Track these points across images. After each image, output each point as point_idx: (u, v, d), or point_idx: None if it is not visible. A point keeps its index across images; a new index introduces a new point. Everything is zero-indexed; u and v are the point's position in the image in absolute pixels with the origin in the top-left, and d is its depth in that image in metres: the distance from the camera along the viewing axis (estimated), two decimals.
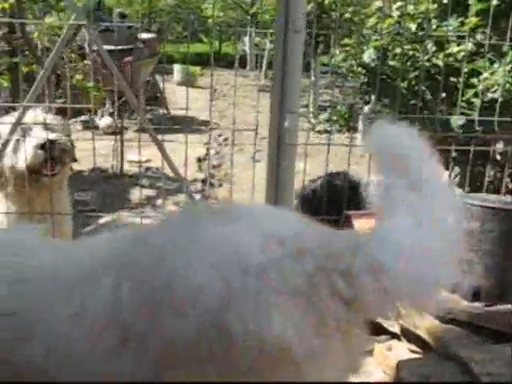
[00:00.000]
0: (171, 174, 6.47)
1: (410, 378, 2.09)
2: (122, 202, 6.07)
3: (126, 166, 7.08)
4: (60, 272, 1.41)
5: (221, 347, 1.17)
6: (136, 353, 1.24)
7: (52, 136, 2.56)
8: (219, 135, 9.07)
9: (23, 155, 2.54)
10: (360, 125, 8.34)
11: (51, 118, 2.68)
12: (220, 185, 6.87)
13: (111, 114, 9.08)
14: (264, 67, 14.48)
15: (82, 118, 9.28)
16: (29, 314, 1.36)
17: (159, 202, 6.13)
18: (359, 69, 5.07)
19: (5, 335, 1.37)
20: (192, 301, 1.18)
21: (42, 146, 2.55)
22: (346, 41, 6.10)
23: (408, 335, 2.36)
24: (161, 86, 10.86)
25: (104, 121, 8.87)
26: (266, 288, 1.18)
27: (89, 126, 8.75)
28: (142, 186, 6.33)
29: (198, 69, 13.25)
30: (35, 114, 2.59)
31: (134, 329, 1.24)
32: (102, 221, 5.31)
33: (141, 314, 1.24)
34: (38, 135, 2.55)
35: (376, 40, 4.49)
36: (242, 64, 15.94)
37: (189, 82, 12.16)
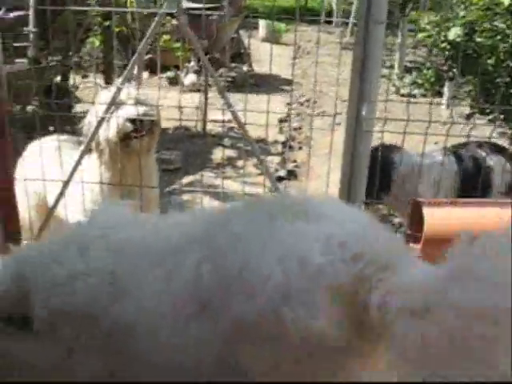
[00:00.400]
0: (253, 135, 6.61)
1: None
2: (205, 162, 6.25)
3: (210, 126, 7.24)
4: (151, 245, 1.60)
5: (276, 331, 1.33)
6: (210, 324, 1.42)
7: (141, 110, 2.77)
8: (301, 95, 9.04)
9: (115, 126, 2.76)
10: (446, 90, 8.12)
11: (142, 94, 2.89)
12: (300, 148, 6.90)
13: (196, 72, 9.27)
14: (350, 24, 14.15)
15: (168, 73, 9.50)
16: (123, 276, 1.56)
17: (240, 162, 6.30)
18: (444, 44, 4.94)
19: (100, 292, 1.56)
20: (259, 288, 1.34)
21: (133, 121, 2.76)
22: (432, 18, 5.92)
23: None
24: (245, 42, 10.90)
25: (189, 78, 9.06)
26: (318, 286, 1.31)
27: (172, 82, 8.98)
28: (224, 146, 6.49)
29: (283, 25, 13.14)
30: (128, 92, 2.80)
31: (209, 304, 1.43)
32: (185, 180, 5.54)
33: (215, 292, 1.42)
34: (129, 109, 2.77)
35: (463, 17, 4.36)
36: (329, 20, 15.62)
37: (274, 38, 12.14)
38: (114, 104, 2.69)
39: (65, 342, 1.60)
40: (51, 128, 2.88)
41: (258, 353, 1.37)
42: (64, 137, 3.21)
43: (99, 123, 2.71)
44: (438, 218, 2.18)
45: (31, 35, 7.66)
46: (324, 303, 1.30)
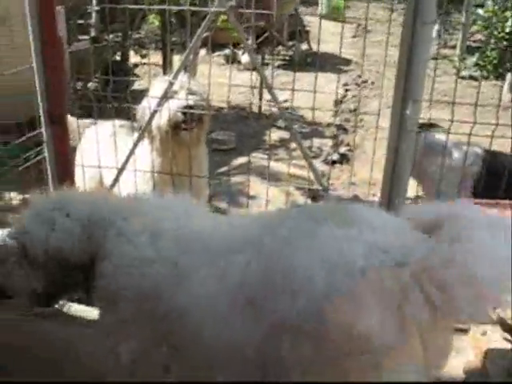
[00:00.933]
0: (309, 118, 6.58)
1: (492, 368, 2.19)
2: (258, 143, 6.29)
3: (265, 106, 7.25)
4: (211, 243, 1.74)
5: (319, 330, 1.44)
6: (254, 319, 1.56)
7: (191, 101, 2.84)
8: (359, 76, 8.92)
9: (166, 116, 2.86)
10: (509, 75, 7.85)
11: (194, 84, 2.96)
12: (354, 131, 6.84)
13: (254, 50, 9.28)
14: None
15: (226, 51, 9.56)
16: (184, 268, 1.70)
17: (293, 145, 6.32)
18: (501, 34, 4.78)
19: (163, 279, 1.71)
20: (303, 288, 1.46)
21: (184, 111, 2.85)
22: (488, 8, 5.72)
23: (504, 325, 2.42)
24: (305, 19, 10.81)
25: (246, 56, 9.08)
26: (362, 289, 1.41)
27: (232, 60, 9.02)
28: (278, 128, 6.51)
29: (342, 1, 12.91)
30: (181, 82, 2.87)
31: (255, 300, 1.56)
32: (236, 161, 5.61)
33: (261, 290, 1.55)
34: (181, 100, 2.85)
35: None
36: None
37: (334, 15, 11.99)
38: (167, 95, 2.76)
39: (123, 313, 1.76)
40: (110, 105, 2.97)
41: (299, 349, 1.49)
42: (120, 122, 3.33)
43: (152, 114, 2.80)
44: None
45: (93, 14, 7.88)
46: (366, 306, 1.40)
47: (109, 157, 3.02)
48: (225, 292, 1.62)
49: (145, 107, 2.94)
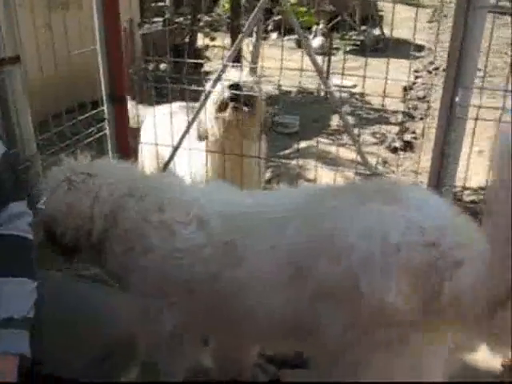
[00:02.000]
0: (375, 104, 6.49)
1: None
2: (321, 127, 6.27)
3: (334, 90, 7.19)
4: (260, 216, 1.80)
5: (354, 296, 1.50)
6: (301, 284, 1.63)
7: (245, 84, 2.81)
8: (430, 63, 8.69)
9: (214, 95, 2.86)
10: None
11: (247, 76, 2.94)
12: (421, 118, 6.70)
13: (324, 35, 9.23)
14: None
15: (296, 36, 9.53)
16: (236, 246, 1.77)
17: (357, 130, 6.27)
18: None
19: (214, 261, 1.78)
20: (343, 255, 1.53)
21: (232, 88, 2.78)
22: None
23: None
24: (378, 4, 10.60)
25: (316, 41, 9.04)
26: (394, 263, 1.46)
27: (300, 44, 8.98)
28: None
29: None
30: (234, 73, 2.88)
31: (303, 266, 1.63)
32: (300, 145, 5.62)
33: (307, 255, 1.62)
34: (232, 76, 2.84)
35: None
36: None
37: None
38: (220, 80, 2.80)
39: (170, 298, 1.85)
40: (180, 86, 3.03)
41: (335, 312, 1.56)
42: (180, 104, 3.39)
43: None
44: None
45: None
46: (398, 279, 1.45)
47: (168, 136, 3.08)
48: (277, 264, 1.68)
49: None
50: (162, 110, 3.23)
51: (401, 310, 1.44)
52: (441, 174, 2.39)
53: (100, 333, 1.59)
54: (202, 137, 2.97)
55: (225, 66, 2.80)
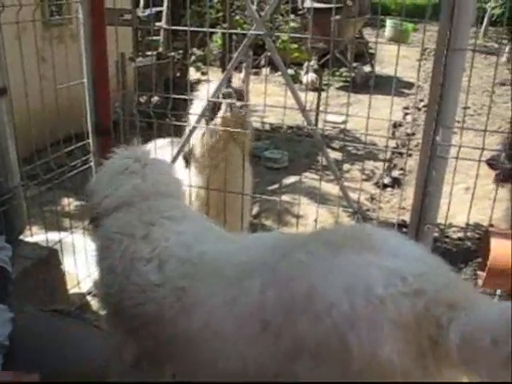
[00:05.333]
0: (364, 140, 6.56)
1: None
2: (310, 163, 6.30)
3: (322, 126, 7.25)
4: (223, 267, 1.75)
5: (339, 354, 1.44)
6: (272, 342, 1.56)
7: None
8: (421, 100, 8.81)
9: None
10: None
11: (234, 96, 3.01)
12: (410, 155, 6.74)
13: (316, 71, 9.34)
14: (484, 24, 13.47)
15: (288, 71, 9.65)
16: (192, 294, 1.73)
17: (346, 166, 6.31)
18: None
19: (168, 304, 1.75)
20: (324, 313, 1.46)
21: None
22: None
23: None
24: (371, 41, 10.77)
25: (308, 77, 9.14)
26: (382, 317, 1.41)
27: (292, 80, 9.09)
28: (333, 149, 6.51)
29: (411, 25, 12.78)
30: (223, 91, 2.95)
31: (271, 324, 1.56)
32: (286, 181, 5.64)
33: (278, 313, 1.55)
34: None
35: None
36: None
37: (400, 38, 11.89)
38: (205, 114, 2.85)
39: (126, 326, 1.84)
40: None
41: (318, 370, 1.49)
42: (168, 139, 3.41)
43: (191, 131, 2.89)
44: (505, 250, 2.15)
45: (161, 31, 8.15)
46: (387, 332, 1.40)
47: None
48: (238, 318, 1.63)
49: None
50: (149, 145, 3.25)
51: (395, 364, 1.39)
52: (423, 212, 2.39)
53: (69, 364, 1.58)
54: (187, 158, 3.00)
55: (210, 102, 2.82)
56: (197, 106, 2.96)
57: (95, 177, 2.11)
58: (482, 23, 13.87)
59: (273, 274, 1.61)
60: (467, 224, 4.20)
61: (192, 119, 2.93)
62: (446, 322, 1.38)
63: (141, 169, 2.05)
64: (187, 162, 3.00)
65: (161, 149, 3.11)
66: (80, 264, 3.04)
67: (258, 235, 2.09)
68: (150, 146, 3.29)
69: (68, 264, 3.11)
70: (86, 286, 3.16)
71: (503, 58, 11.89)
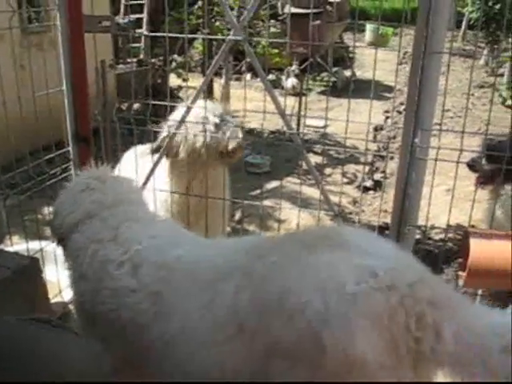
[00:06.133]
0: (347, 143, 6.61)
1: None
2: (292, 167, 6.31)
3: (304, 130, 7.26)
4: (198, 268, 1.77)
5: (314, 353, 1.45)
6: (247, 344, 1.57)
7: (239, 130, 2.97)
8: (401, 103, 8.86)
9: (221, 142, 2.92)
10: None
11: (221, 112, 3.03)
12: (391, 158, 6.79)
13: (297, 76, 9.38)
14: (463, 27, 13.60)
15: (270, 76, 9.68)
16: (168, 298, 1.74)
17: (328, 170, 6.34)
18: None
19: (143, 310, 1.75)
20: (298, 312, 1.47)
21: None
22: None
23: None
24: (351, 46, 10.85)
25: (289, 82, 9.18)
26: (354, 313, 1.42)
27: (274, 85, 9.13)
28: (315, 153, 6.53)
29: (391, 29, 12.87)
30: (214, 109, 2.95)
31: (246, 325, 1.57)
32: (268, 185, 5.65)
33: (253, 315, 1.57)
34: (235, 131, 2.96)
35: None
36: None
37: (380, 42, 11.96)
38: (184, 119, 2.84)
39: (102, 334, 1.85)
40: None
41: (292, 371, 1.50)
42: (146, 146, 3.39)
43: (170, 137, 2.88)
44: (484, 250, 2.18)
45: (143, 38, 8.15)
46: (360, 328, 1.41)
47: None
48: (213, 322, 1.64)
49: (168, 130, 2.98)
50: (129, 154, 3.25)
51: (368, 360, 1.40)
52: (403, 214, 2.41)
53: (47, 373, 1.56)
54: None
55: (189, 108, 2.82)
56: (178, 113, 2.94)
57: (57, 199, 2.13)
58: (460, 27, 14.03)
59: (247, 276, 1.63)
60: (448, 225, 4.24)
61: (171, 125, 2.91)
62: (433, 322, 1.41)
63: (101, 185, 2.09)
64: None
65: (141, 155, 3.11)
66: (62, 273, 3.02)
67: (233, 239, 2.12)
68: (131, 152, 3.30)
69: (49, 273, 3.08)
70: (67, 294, 3.13)
71: (481, 61, 12.04)
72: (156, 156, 3.00)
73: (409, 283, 1.44)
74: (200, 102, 2.97)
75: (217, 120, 2.92)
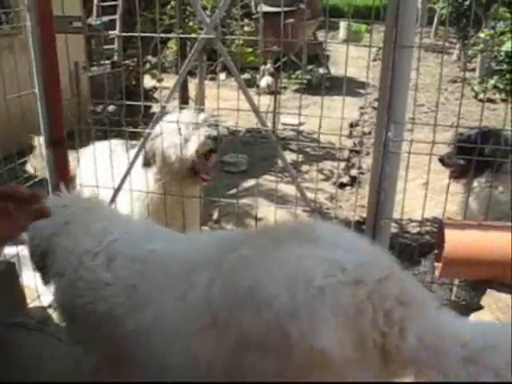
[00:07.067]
0: (322, 141, 6.66)
1: None
2: (269, 166, 6.33)
3: (281, 128, 7.30)
4: (171, 264, 1.79)
5: (282, 345, 1.47)
6: (219, 336, 1.59)
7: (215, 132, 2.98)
8: (376, 99, 8.93)
9: (196, 144, 2.93)
10: None
11: (207, 117, 3.07)
12: (367, 153, 6.84)
13: (272, 74, 9.40)
14: (435, 23, 13.75)
15: (245, 75, 9.69)
16: (142, 291, 1.77)
17: (305, 167, 6.36)
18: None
19: (119, 302, 1.78)
20: (266, 305, 1.48)
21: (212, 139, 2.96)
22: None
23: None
24: (323, 43, 10.89)
25: (264, 80, 9.20)
26: (322, 306, 1.43)
27: (249, 84, 9.14)
28: (292, 151, 6.55)
29: (364, 26, 12.97)
30: (199, 115, 2.99)
31: (219, 318, 1.59)
32: (246, 184, 5.65)
33: (224, 308, 1.58)
34: (208, 130, 2.97)
35: None
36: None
37: (354, 39, 12.06)
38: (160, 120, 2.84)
39: (81, 330, 1.88)
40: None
41: (262, 363, 1.51)
42: (117, 141, 3.39)
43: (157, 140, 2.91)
44: (459, 240, 2.21)
45: (116, 39, 8.09)
46: (327, 322, 1.42)
47: (106, 175, 3.06)
48: (187, 313, 1.66)
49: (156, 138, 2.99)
50: (98, 147, 3.23)
51: (334, 352, 1.41)
52: (379, 208, 2.43)
53: (27, 376, 1.56)
54: (149, 163, 3.02)
55: (164, 108, 2.81)
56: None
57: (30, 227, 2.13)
58: (432, 23, 14.18)
59: (219, 268, 1.65)
60: (424, 218, 4.30)
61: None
62: (399, 320, 1.42)
63: (74, 202, 2.15)
64: (147, 164, 3.01)
65: (114, 148, 3.10)
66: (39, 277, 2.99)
67: (206, 233, 2.14)
68: (104, 144, 3.29)
69: (27, 278, 3.05)
70: (46, 299, 3.11)
71: (453, 56, 12.18)
72: (132, 152, 2.99)
73: (377, 278, 1.46)
74: (176, 114, 3.00)
75: (189, 131, 2.93)
